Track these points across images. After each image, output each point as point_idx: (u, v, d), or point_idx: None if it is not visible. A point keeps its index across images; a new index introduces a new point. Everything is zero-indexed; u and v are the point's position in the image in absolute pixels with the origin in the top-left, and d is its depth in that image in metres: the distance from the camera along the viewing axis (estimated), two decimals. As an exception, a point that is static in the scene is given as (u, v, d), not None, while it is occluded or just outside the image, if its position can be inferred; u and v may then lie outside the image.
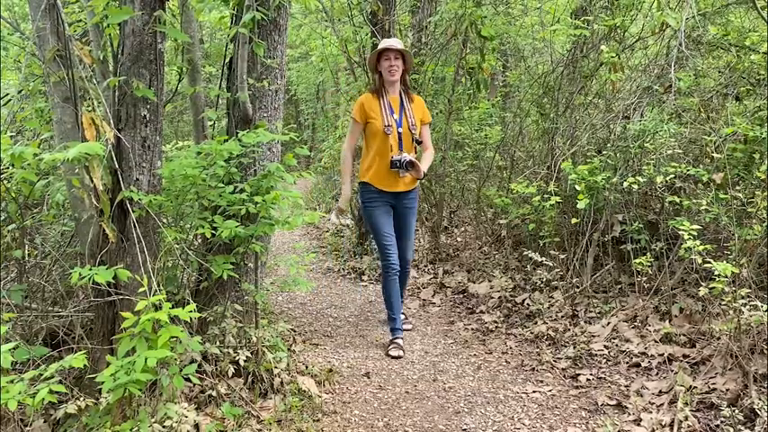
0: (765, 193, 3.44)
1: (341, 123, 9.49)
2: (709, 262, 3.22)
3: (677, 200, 3.97)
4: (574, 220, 4.65)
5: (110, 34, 3.06)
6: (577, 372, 3.69)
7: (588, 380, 3.59)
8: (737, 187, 3.85)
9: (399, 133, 4.12)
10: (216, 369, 3.12)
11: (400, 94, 4.20)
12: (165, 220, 3.23)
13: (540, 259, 4.58)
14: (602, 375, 3.62)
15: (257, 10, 3.27)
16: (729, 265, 3.14)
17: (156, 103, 2.89)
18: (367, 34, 6.40)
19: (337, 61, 9.54)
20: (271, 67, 3.58)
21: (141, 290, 2.53)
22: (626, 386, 3.46)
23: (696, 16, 4.20)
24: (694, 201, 3.88)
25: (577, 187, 4.35)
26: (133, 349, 2.37)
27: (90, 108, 2.63)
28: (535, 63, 6.06)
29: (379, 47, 4.16)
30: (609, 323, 4.10)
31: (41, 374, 2.28)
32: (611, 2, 5.23)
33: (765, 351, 3.15)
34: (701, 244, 3.40)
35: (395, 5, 6.11)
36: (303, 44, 11.02)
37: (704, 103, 4.49)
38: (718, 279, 3.17)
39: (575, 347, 3.92)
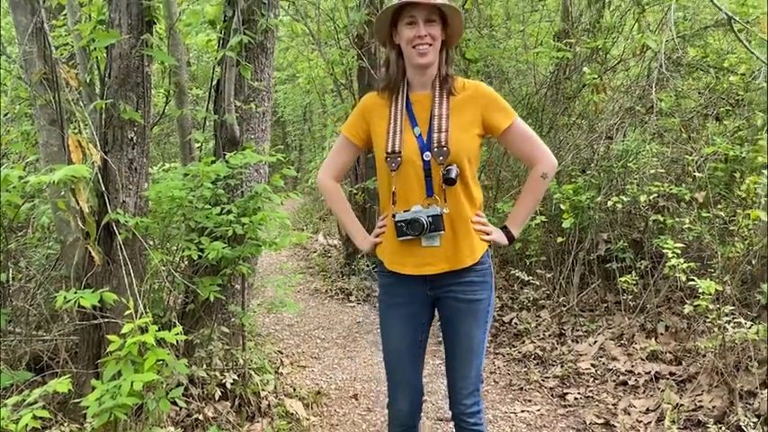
0: (746, 212, 3.49)
1: (328, 145, 9.54)
2: (693, 280, 3.25)
3: (661, 218, 4.02)
4: (559, 240, 4.69)
5: (96, 57, 3.07)
6: (565, 391, 3.70)
7: (576, 398, 3.59)
8: (719, 206, 3.91)
9: (425, 163, 2.07)
10: (203, 392, 3.09)
11: (435, 89, 2.11)
12: (151, 242, 3.21)
13: (526, 278, 4.60)
14: (590, 394, 3.63)
15: (244, 33, 3.30)
16: (713, 283, 3.18)
17: (142, 126, 2.90)
18: (353, 57, 6.46)
19: (324, 83, 9.61)
20: (258, 90, 3.61)
21: (127, 312, 2.51)
22: (613, 404, 3.46)
23: (676, 39, 4.29)
24: (677, 219, 3.93)
25: (562, 206, 4.39)
26: (119, 373, 2.35)
27: (76, 131, 2.64)
28: (519, 85, 6.13)
29: None
30: (596, 341, 4.11)
31: (25, 400, 2.25)
32: (593, 25, 5.33)
33: (750, 368, 3.18)
34: (684, 262, 3.44)
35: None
36: (290, 66, 11.09)
37: (685, 123, 4.57)
38: (702, 297, 3.20)
39: (562, 366, 3.93)
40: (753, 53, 3.81)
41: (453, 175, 2.03)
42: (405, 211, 2.08)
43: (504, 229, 2.22)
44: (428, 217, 2.05)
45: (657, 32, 4.61)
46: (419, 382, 2.27)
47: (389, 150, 2.09)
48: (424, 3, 1.99)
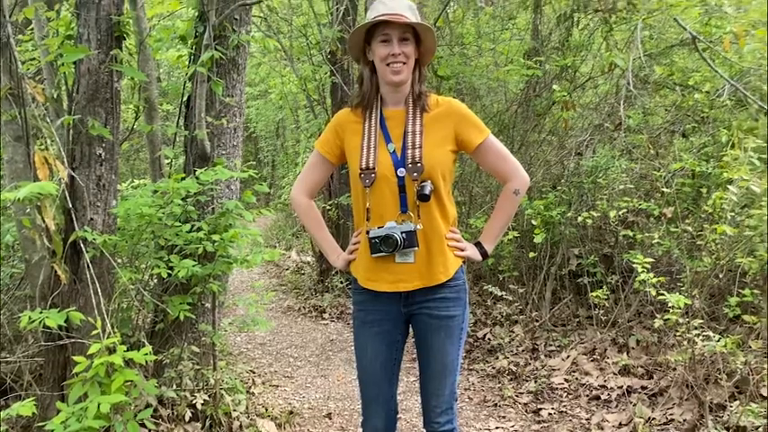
0: (713, 226, 3.56)
1: (301, 160, 9.51)
2: (663, 294, 3.30)
3: (630, 233, 4.08)
4: (531, 255, 4.72)
5: (64, 72, 3.02)
6: (539, 406, 3.70)
7: (550, 414, 3.60)
8: (687, 221, 3.98)
9: (400, 179, 2.08)
10: (172, 413, 3.03)
11: (408, 106, 2.13)
12: (119, 261, 3.15)
13: (499, 293, 4.62)
14: (564, 409, 3.64)
15: (216, 49, 3.28)
16: (682, 297, 3.22)
17: (111, 142, 2.85)
18: (326, 73, 6.47)
19: (297, 99, 9.61)
20: (229, 105, 3.58)
21: (94, 332, 2.45)
22: (587, 419, 3.48)
23: (642, 57, 4.38)
24: (647, 234, 3.99)
25: (534, 222, 4.43)
26: (85, 395, 2.29)
27: (43, 147, 2.59)
28: (490, 102, 6.20)
29: (371, 14, 2.08)
30: (568, 356, 4.14)
31: (-14, 424, 2.17)
32: (562, 43, 5.42)
33: (719, 380, 3.22)
34: (654, 276, 3.49)
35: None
36: (262, 82, 11.08)
37: (653, 139, 4.66)
38: (671, 311, 3.25)
39: (536, 382, 3.94)
40: (716, 71, 3.91)
41: (427, 191, 2.03)
42: (379, 228, 2.07)
43: (478, 245, 2.22)
44: (402, 233, 2.03)
45: (625, 51, 4.71)
46: (394, 399, 2.25)
47: (363, 167, 2.08)
48: (398, 21, 1.99)
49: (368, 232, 2.09)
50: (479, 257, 2.22)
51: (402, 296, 2.14)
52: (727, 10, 4.23)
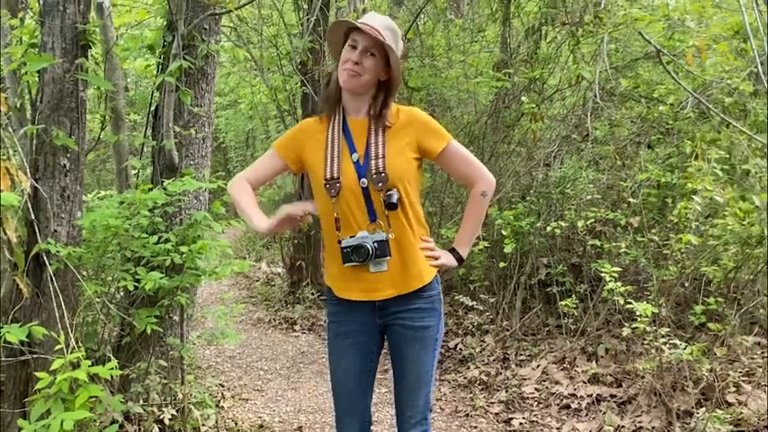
0: (679, 236, 3.62)
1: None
2: (631, 303, 3.34)
3: (598, 243, 4.13)
4: (501, 265, 4.76)
5: (28, 81, 2.96)
6: (510, 416, 3.72)
7: (521, 423, 3.61)
8: (653, 230, 4.05)
9: (364, 189, 2.06)
10: (139, 429, 2.97)
11: (370, 116, 2.11)
12: (84, 273, 3.09)
13: (470, 303, 4.64)
14: (535, 418, 3.66)
15: (184, 58, 3.25)
16: (649, 306, 3.27)
17: (76, 152, 2.80)
18: (296, 83, 6.46)
19: (267, 109, 9.57)
20: (198, 115, 3.55)
21: (58, 347, 2.39)
22: (557, 428, 3.50)
23: (609, 69, 4.46)
24: (614, 244, 4.05)
25: (504, 232, 4.46)
26: (48, 411, 2.23)
27: (5, 157, 2.52)
28: (461, 113, 6.25)
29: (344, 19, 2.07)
30: (539, 365, 4.16)
31: (-57, 444, 2.10)
32: (530, 56, 5.50)
33: (686, 388, 3.27)
34: (622, 285, 3.53)
35: (324, 56, 6.21)
36: (232, 92, 11.01)
37: (619, 150, 4.74)
38: (639, 319, 3.29)
39: (507, 391, 3.95)
40: (680, 84, 4.00)
41: (395, 199, 2.02)
42: (351, 237, 2.05)
43: (453, 250, 2.22)
44: (374, 243, 2.02)
45: (591, 63, 4.79)
46: (368, 412, 2.23)
47: (328, 177, 2.06)
48: (369, 32, 1.99)
49: (339, 242, 2.06)
50: (455, 263, 2.21)
51: (377, 306, 2.11)
52: (689, 24, 4.33)
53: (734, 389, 3.30)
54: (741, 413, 3.08)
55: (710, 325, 3.50)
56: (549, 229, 4.28)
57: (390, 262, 2.06)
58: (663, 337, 3.31)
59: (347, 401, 2.20)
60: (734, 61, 4.28)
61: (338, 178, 2.05)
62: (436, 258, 2.14)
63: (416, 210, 2.12)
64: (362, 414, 2.21)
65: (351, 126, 2.12)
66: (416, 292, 2.10)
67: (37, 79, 2.85)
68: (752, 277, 3.81)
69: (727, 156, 4.03)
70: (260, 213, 2.16)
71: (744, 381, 3.37)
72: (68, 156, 2.78)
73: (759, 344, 3.71)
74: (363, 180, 2.04)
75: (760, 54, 3.51)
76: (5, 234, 2.46)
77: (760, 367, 3.45)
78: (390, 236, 2.05)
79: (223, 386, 4.29)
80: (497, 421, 3.69)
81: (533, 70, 5.26)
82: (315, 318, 6.08)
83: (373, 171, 2.03)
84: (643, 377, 3.56)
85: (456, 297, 4.87)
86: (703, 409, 3.16)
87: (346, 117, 2.13)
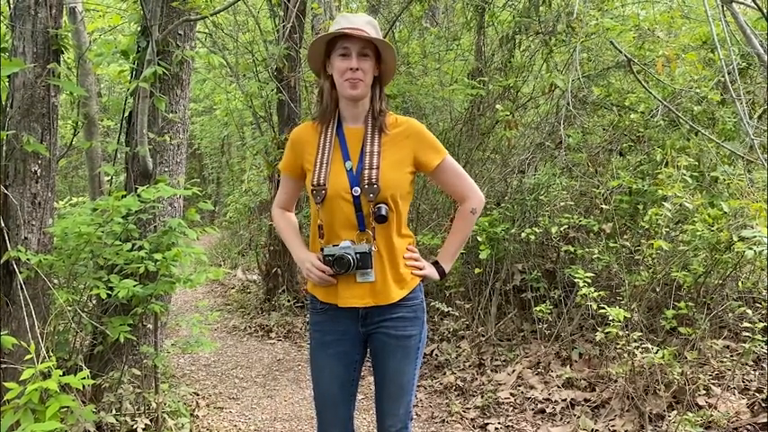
0: (650, 242, 3.69)
1: (247, 177, 9.40)
2: (604, 308, 3.39)
3: (571, 249, 4.18)
4: (477, 271, 4.79)
5: (-2, 86, 2.92)
6: (486, 421, 3.74)
7: (497, 429, 3.63)
8: (625, 236, 4.12)
9: (355, 198, 2.04)
10: (111, 439, 2.92)
11: (368, 125, 2.10)
12: (56, 281, 3.04)
13: (446, 309, 4.66)
14: (510, 423, 3.68)
15: (158, 64, 3.23)
16: (622, 311, 3.32)
17: (48, 159, 2.77)
18: (272, 90, 6.44)
19: (243, 116, 9.51)
20: (173, 122, 3.52)
21: (28, 357, 2.35)
22: (532, 433, 3.53)
23: (581, 78, 4.54)
24: (587, 250, 4.10)
25: (479, 238, 4.49)
26: (17, 423, 2.19)
27: (-27, 163, 2.48)
28: (436, 120, 6.29)
29: (333, 29, 2.07)
30: (514, 371, 4.19)
31: None
32: (505, 64, 5.56)
33: (658, 391, 3.32)
34: (595, 291, 3.58)
35: (300, 63, 6.21)
36: (207, 98, 10.93)
37: (592, 157, 4.81)
38: (612, 324, 3.34)
39: (482, 397, 3.97)
40: (650, 93, 4.08)
41: (384, 212, 2.01)
42: (333, 246, 2.03)
43: (436, 264, 2.23)
44: (356, 254, 2.00)
45: (564, 72, 4.87)
46: (351, 421, 2.22)
47: (315, 183, 2.05)
48: (358, 36, 1.98)
49: (322, 250, 2.05)
50: (437, 276, 2.22)
51: (360, 315, 2.11)
52: (659, 34, 4.43)
53: (704, 392, 3.36)
54: (711, 416, 3.14)
55: (681, 329, 3.57)
56: (523, 235, 4.32)
57: (375, 273, 2.05)
58: (635, 341, 3.37)
59: (331, 413, 2.18)
60: (702, 70, 4.39)
61: (324, 185, 2.03)
62: (420, 269, 2.16)
63: (403, 221, 2.12)
64: (346, 423, 2.20)
65: (346, 134, 2.09)
66: (399, 300, 2.10)
67: (7, 84, 2.81)
68: (721, 282, 3.89)
69: (696, 163, 4.12)
70: (300, 245, 2.22)
71: (714, 383, 3.44)
72: (39, 162, 2.74)
73: (728, 347, 3.79)
74: (356, 189, 2.02)
75: (727, 63, 3.60)
76: (-26, 242, 2.42)
77: (729, 370, 3.52)
78: (374, 248, 2.04)
79: (198, 395, 4.25)
80: (473, 427, 3.71)
81: (507, 78, 5.31)
82: (291, 325, 6.05)
83: (366, 181, 2.02)
84: (616, 381, 3.61)
85: (432, 303, 4.89)
86: (675, 411, 3.22)
87: (343, 125, 2.11)
